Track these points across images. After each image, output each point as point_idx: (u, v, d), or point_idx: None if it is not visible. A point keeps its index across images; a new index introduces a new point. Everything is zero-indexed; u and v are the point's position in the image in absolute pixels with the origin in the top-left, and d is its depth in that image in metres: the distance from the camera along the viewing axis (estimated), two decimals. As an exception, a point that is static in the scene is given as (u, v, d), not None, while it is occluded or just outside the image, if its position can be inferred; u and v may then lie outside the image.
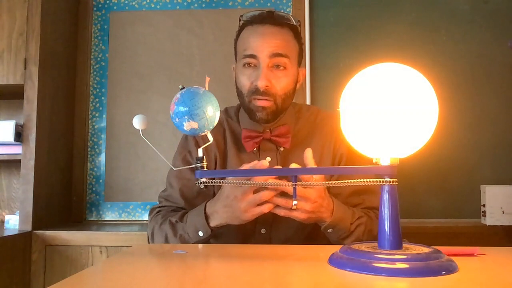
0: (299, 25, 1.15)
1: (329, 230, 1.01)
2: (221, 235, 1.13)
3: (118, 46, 2.12)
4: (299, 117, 1.20)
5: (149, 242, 1.13)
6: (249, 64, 1.09)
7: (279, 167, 1.09)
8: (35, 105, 1.73)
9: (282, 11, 1.13)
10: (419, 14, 2.02)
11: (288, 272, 0.67)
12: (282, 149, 1.14)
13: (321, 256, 0.74)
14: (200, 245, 1.00)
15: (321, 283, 0.61)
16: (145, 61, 2.10)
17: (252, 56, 1.08)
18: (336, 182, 0.88)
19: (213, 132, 1.13)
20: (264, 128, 1.14)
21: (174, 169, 0.98)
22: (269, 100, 1.08)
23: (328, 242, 1.16)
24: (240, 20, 1.16)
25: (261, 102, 1.08)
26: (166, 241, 1.06)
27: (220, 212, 0.99)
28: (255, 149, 1.13)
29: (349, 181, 0.82)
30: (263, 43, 1.08)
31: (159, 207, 1.17)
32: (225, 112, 1.23)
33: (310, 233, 1.13)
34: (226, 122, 1.20)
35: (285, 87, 1.10)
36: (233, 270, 0.68)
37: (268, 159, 1.13)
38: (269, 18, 1.11)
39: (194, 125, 0.77)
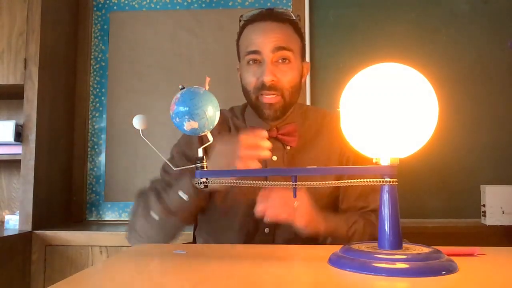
0: (299, 20, 1.16)
1: (328, 241, 1.01)
2: (223, 233, 1.12)
3: (118, 46, 2.12)
4: (306, 118, 1.19)
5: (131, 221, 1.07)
6: (253, 60, 1.10)
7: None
8: (35, 105, 1.73)
9: (281, 7, 1.14)
10: (419, 14, 2.02)
11: (288, 272, 0.67)
12: (288, 147, 1.13)
13: (321, 256, 0.74)
14: (200, 245, 1.00)
15: (321, 283, 0.61)
16: (145, 61, 2.11)
17: (256, 52, 1.09)
18: (337, 182, 0.88)
19: (218, 130, 1.12)
20: (270, 126, 1.13)
21: (174, 168, 0.96)
22: (277, 95, 1.08)
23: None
24: (240, 21, 1.16)
25: (268, 99, 1.08)
26: (147, 212, 1.01)
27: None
28: None
29: (349, 181, 0.82)
30: (266, 38, 1.08)
31: (154, 181, 1.11)
32: (230, 111, 1.23)
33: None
34: (231, 120, 1.19)
35: (291, 81, 1.10)
36: (233, 270, 0.68)
37: (275, 158, 1.12)
38: (269, 15, 1.12)
39: (195, 125, 0.77)
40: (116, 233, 1.67)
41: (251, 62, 1.10)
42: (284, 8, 1.16)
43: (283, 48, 1.08)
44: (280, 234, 1.11)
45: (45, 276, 1.66)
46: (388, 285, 0.58)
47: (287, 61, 1.09)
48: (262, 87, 1.08)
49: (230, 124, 1.19)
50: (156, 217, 1.00)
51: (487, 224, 1.69)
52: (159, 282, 0.62)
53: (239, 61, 1.17)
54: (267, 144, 0.92)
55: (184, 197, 0.97)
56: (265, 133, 0.93)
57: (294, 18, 1.14)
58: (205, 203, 1.06)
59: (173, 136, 1.98)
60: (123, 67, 2.11)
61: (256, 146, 0.92)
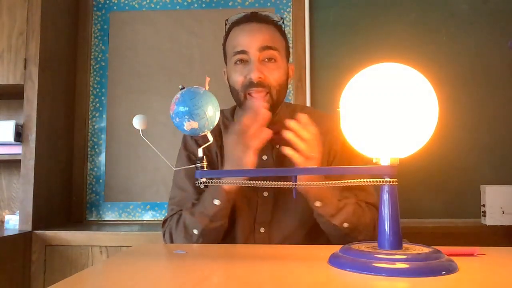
0: (283, 23, 1.19)
1: (317, 204, 1.00)
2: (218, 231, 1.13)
3: (118, 46, 2.12)
4: (293, 117, 1.20)
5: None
6: (240, 60, 1.12)
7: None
8: (35, 105, 1.73)
9: (265, 11, 1.18)
10: (419, 14, 2.02)
11: (288, 272, 0.67)
12: (277, 146, 1.15)
13: (321, 256, 0.74)
14: (200, 245, 1.00)
15: (321, 283, 0.61)
16: (145, 61, 2.11)
17: (243, 51, 1.11)
18: (336, 182, 0.88)
19: (211, 132, 1.13)
20: None
21: (174, 168, 0.98)
22: (265, 92, 1.10)
23: (326, 240, 1.16)
24: (226, 25, 1.19)
25: (257, 100, 1.09)
26: (186, 231, 1.05)
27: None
28: None
29: (349, 181, 0.82)
30: (252, 38, 1.11)
31: (172, 215, 1.14)
32: (221, 113, 1.24)
33: (308, 231, 1.13)
34: (222, 122, 1.21)
35: (278, 79, 1.12)
36: (233, 270, 0.68)
37: (265, 157, 1.14)
38: (254, 17, 1.14)
39: (195, 124, 0.77)
40: (116, 233, 1.67)
41: (238, 62, 1.12)
42: (270, 13, 1.19)
43: (270, 48, 1.11)
44: (275, 233, 1.11)
45: (45, 276, 1.66)
46: (388, 285, 0.58)
47: (273, 60, 1.12)
48: (250, 85, 1.10)
49: (221, 126, 1.21)
50: (196, 231, 1.04)
51: (487, 224, 1.69)
52: (159, 282, 0.62)
53: (226, 63, 1.20)
54: (267, 116, 1.00)
55: (217, 202, 1.02)
56: (262, 112, 0.99)
57: (278, 20, 1.17)
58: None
59: (173, 136, 2.00)
60: (123, 67, 2.10)
61: (258, 133, 1.00)
